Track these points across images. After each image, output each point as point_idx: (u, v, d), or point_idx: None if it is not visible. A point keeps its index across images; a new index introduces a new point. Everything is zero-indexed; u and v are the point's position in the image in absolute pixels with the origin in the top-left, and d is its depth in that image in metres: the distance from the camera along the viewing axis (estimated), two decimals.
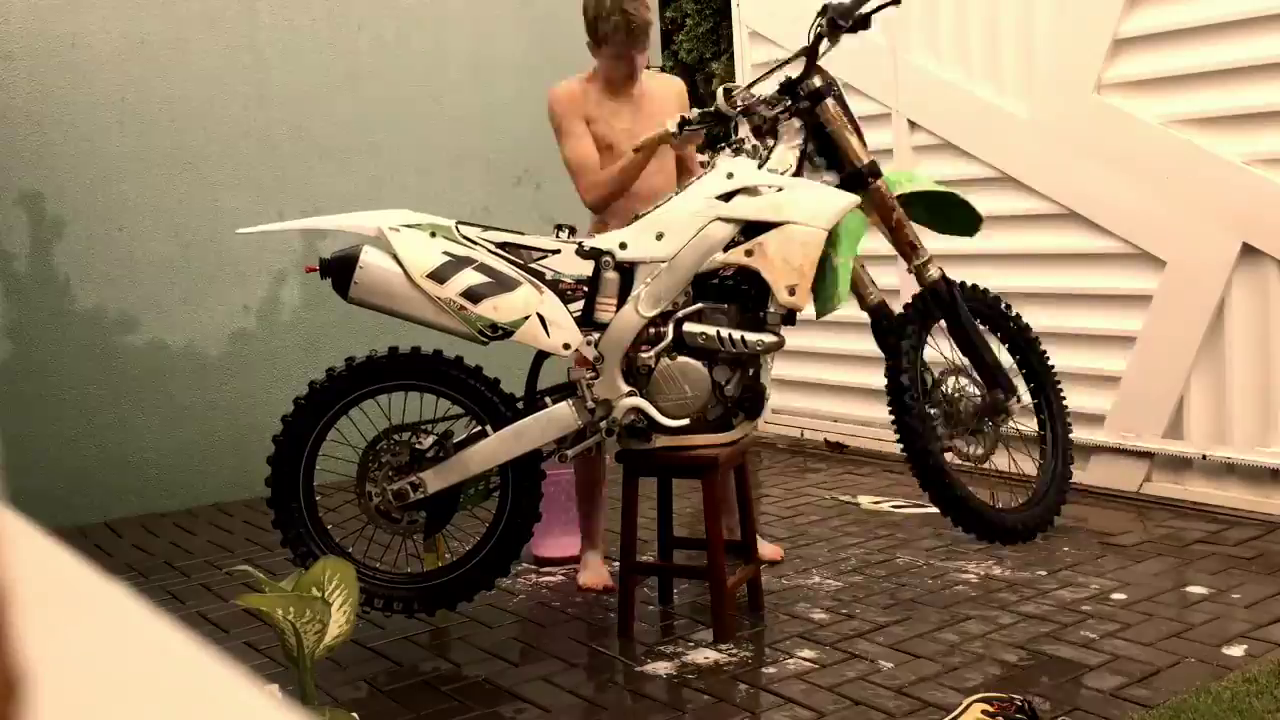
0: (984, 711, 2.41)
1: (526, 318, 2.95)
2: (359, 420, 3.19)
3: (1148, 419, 4.13)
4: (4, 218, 4.45)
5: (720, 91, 3.30)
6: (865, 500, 4.41)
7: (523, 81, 5.60)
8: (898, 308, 3.48)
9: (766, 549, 3.63)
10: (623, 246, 3.07)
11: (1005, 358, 3.61)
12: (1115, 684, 2.67)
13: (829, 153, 3.26)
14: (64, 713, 0.36)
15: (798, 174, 3.16)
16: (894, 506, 4.29)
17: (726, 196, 3.06)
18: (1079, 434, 3.94)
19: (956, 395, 3.44)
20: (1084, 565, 3.52)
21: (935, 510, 3.45)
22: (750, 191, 3.06)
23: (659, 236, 3.06)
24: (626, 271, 3.08)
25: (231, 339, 4.91)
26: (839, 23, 3.18)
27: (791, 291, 3.03)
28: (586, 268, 3.09)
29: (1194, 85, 3.94)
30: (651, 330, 3.06)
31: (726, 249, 3.05)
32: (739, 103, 3.28)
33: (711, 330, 3.05)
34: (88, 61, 4.57)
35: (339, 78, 5.13)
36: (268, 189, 4.97)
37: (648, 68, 3.53)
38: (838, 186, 3.20)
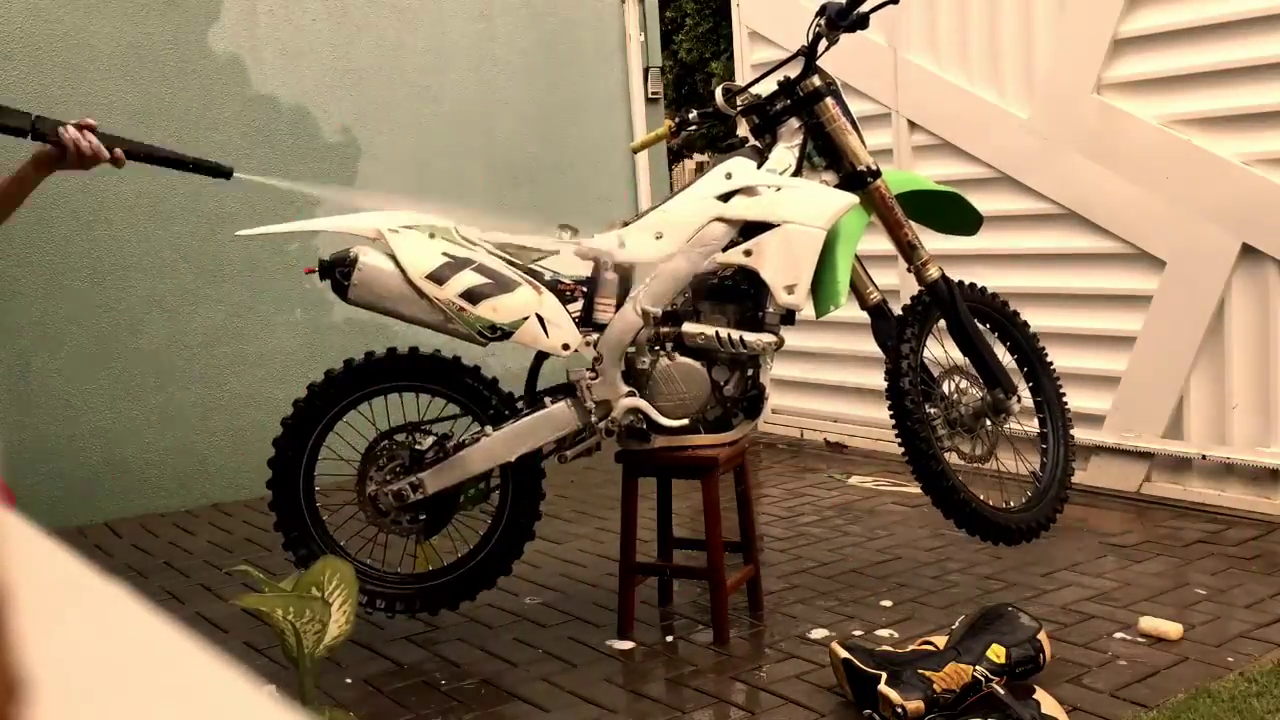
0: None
1: (525, 318, 2.95)
2: (358, 421, 3.20)
3: (1147, 419, 4.13)
4: None
5: (720, 91, 3.30)
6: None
7: (523, 80, 5.61)
8: (898, 308, 3.48)
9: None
10: (621, 247, 3.08)
11: (1005, 358, 3.62)
12: (1115, 684, 2.67)
13: (828, 153, 3.26)
14: (64, 713, 0.36)
15: (797, 174, 3.16)
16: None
17: (725, 197, 3.06)
18: (1079, 434, 3.94)
19: (957, 395, 3.44)
20: (1084, 565, 3.52)
21: (918, 490, 3.45)
22: (749, 192, 3.06)
23: (658, 237, 3.07)
24: (625, 272, 3.08)
25: (231, 339, 4.91)
26: (837, 22, 3.18)
27: (790, 291, 3.03)
28: (585, 268, 3.09)
29: (1194, 85, 3.94)
30: (650, 330, 3.06)
31: (725, 249, 3.05)
32: (738, 103, 3.28)
33: (710, 330, 3.05)
34: (88, 61, 4.57)
35: (339, 78, 5.13)
36: (268, 190, 4.97)
37: None
38: (837, 186, 3.21)
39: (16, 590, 0.36)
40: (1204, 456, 4.00)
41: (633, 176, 6.05)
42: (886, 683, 2.50)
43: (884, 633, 3.06)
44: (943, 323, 3.47)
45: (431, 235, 2.99)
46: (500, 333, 2.94)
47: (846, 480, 4.73)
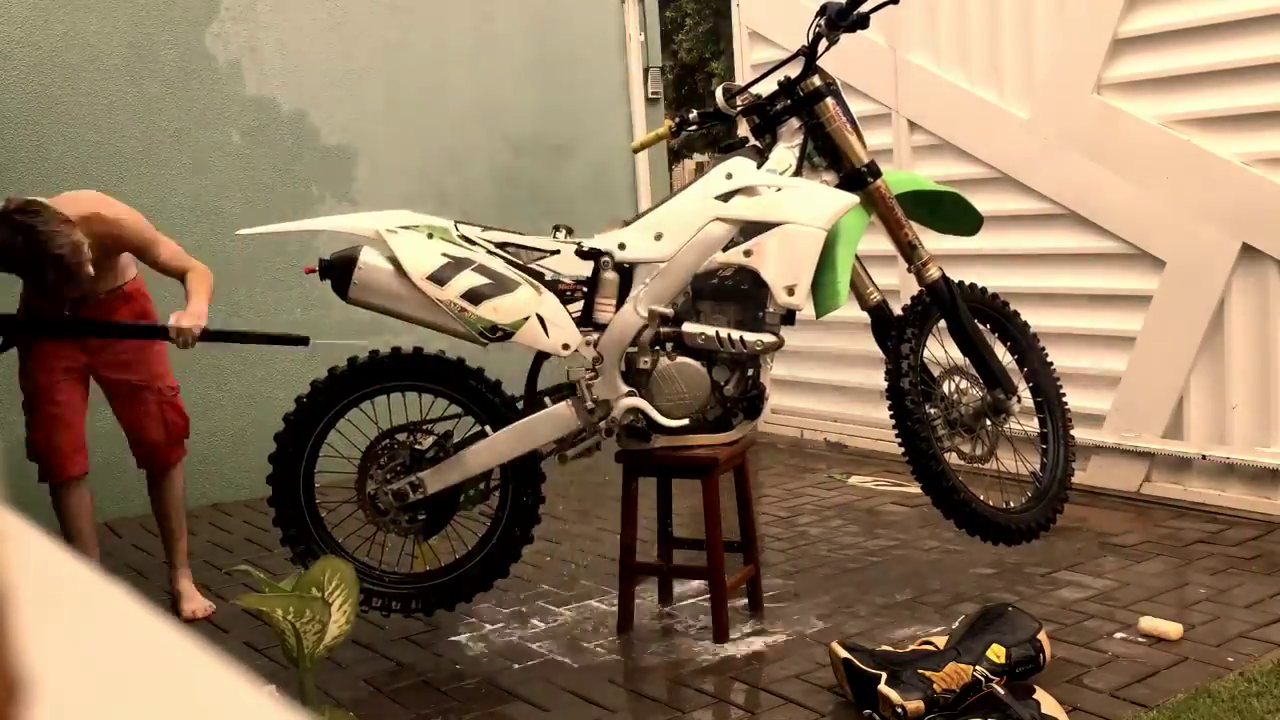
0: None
1: (526, 319, 2.95)
2: (359, 421, 3.20)
3: (1148, 419, 4.13)
4: None
5: (720, 91, 3.30)
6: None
7: (523, 81, 5.60)
8: (898, 308, 3.48)
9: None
10: (621, 247, 3.08)
11: (1005, 358, 3.62)
12: (1115, 684, 2.67)
13: (828, 153, 3.26)
14: (64, 713, 0.36)
15: (797, 174, 3.16)
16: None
17: (725, 197, 3.06)
18: (1079, 434, 3.94)
19: (957, 396, 3.44)
20: (1084, 565, 3.52)
21: (919, 490, 3.45)
22: (749, 192, 3.06)
23: (658, 237, 3.07)
24: (625, 272, 3.08)
25: None
26: (837, 22, 3.18)
27: (790, 291, 3.03)
28: (585, 268, 3.09)
29: (1194, 85, 3.94)
30: (652, 330, 3.06)
31: (726, 249, 3.05)
32: (738, 103, 3.28)
33: (710, 330, 3.04)
34: (88, 61, 4.57)
35: (339, 78, 5.13)
36: (268, 190, 4.97)
37: None
38: (837, 186, 3.21)
39: (16, 590, 0.36)
40: (1204, 456, 4.00)
41: (633, 176, 6.05)
42: (886, 683, 2.50)
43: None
44: (943, 323, 3.47)
45: (430, 235, 2.99)
46: (501, 333, 2.94)
47: (846, 480, 4.73)
